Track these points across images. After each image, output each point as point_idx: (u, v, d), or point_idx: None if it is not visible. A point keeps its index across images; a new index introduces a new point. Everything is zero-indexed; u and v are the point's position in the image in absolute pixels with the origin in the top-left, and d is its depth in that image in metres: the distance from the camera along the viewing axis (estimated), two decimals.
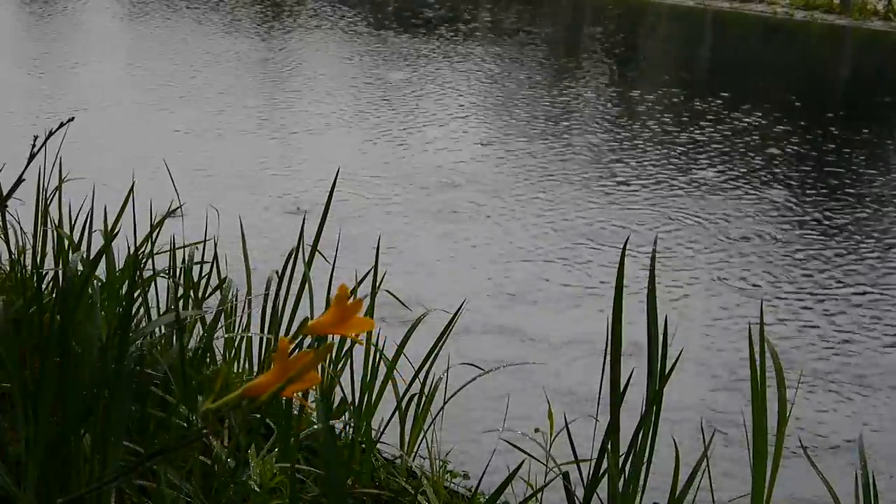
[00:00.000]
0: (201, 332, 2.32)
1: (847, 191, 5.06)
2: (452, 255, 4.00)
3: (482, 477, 2.21)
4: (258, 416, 1.93)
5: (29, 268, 2.58)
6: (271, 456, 1.91)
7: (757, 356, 1.80)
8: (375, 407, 2.23)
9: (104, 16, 9.67)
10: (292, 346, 2.24)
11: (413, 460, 2.25)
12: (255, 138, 5.54)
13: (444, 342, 2.26)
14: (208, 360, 2.24)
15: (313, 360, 0.94)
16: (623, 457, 1.82)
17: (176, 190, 2.60)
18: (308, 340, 2.20)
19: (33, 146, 0.89)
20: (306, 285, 2.24)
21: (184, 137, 5.50)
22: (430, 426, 2.29)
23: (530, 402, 2.83)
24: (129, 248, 2.04)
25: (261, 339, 2.28)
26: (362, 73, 7.32)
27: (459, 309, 2.32)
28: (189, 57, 7.66)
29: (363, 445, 2.16)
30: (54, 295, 2.37)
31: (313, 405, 2.09)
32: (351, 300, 0.97)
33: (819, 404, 2.98)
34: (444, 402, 2.30)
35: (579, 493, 1.90)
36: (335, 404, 2.27)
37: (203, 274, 2.43)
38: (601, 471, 1.83)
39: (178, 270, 2.37)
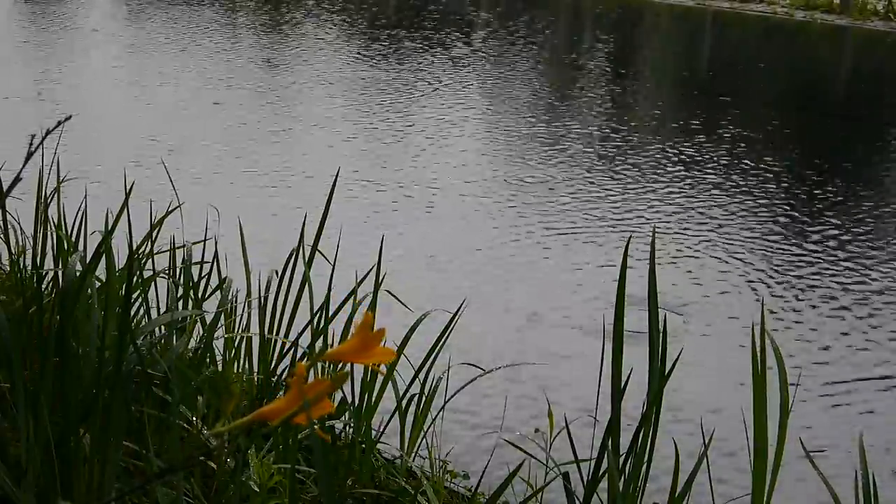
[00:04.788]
0: (201, 332, 2.31)
1: (847, 190, 5.06)
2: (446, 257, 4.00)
3: (482, 477, 2.21)
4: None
5: (28, 268, 2.58)
6: (270, 456, 1.91)
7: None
8: (375, 407, 2.23)
9: (103, 13, 9.67)
10: (286, 347, 2.24)
11: (413, 460, 2.25)
12: (253, 139, 5.54)
13: (444, 342, 2.25)
14: (208, 360, 2.24)
15: (329, 389, 0.93)
16: (623, 456, 1.82)
17: (175, 189, 2.60)
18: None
19: (31, 145, 0.88)
20: (306, 286, 2.24)
21: (180, 137, 5.50)
22: (430, 426, 2.29)
23: (530, 402, 2.83)
24: (129, 247, 2.04)
25: (260, 339, 2.28)
26: (359, 72, 7.32)
27: (460, 308, 2.32)
28: (190, 56, 7.67)
29: (363, 445, 2.16)
30: (54, 295, 2.37)
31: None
32: (373, 329, 0.96)
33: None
34: (445, 403, 2.30)
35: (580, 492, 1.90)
36: (335, 404, 2.27)
37: (203, 274, 2.43)
38: (601, 471, 1.83)
39: (177, 270, 2.37)
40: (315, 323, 2.20)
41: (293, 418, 0.92)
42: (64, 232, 2.56)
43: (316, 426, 1.06)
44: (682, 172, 5.20)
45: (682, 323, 3.43)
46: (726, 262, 4.01)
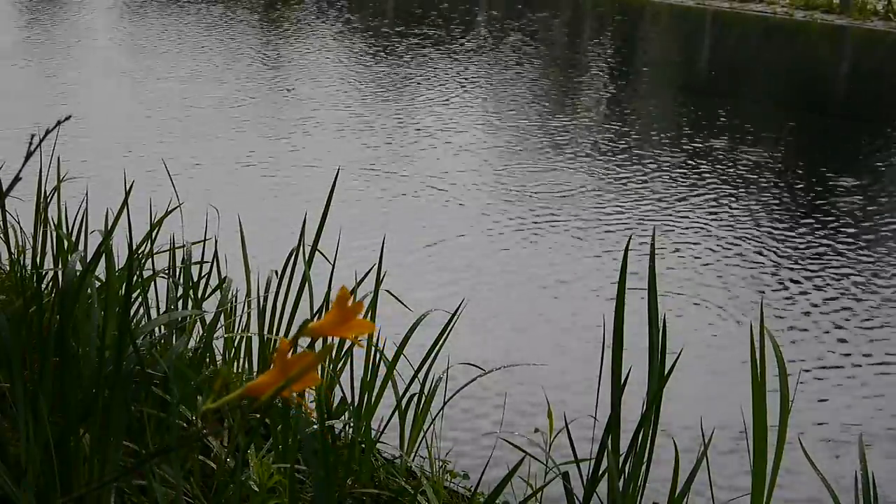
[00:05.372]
0: (201, 332, 2.31)
1: (847, 189, 5.06)
2: (442, 258, 4.00)
3: (482, 477, 2.21)
4: (257, 415, 1.92)
5: (28, 268, 2.58)
6: (269, 456, 1.91)
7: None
8: (375, 407, 2.23)
9: (102, 14, 9.67)
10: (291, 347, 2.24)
11: (413, 460, 2.25)
12: (254, 138, 5.54)
13: (443, 342, 2.25)
14: (208, 360, 2.24)
15: (314, 361, 0.93)
16: (623, 456, 1.82)
17: (175, 189, 2.60)
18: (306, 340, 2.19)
19: (30, 145, 0.88)
20: (306, 285, 2.24)
21: (180, 136, 5.50)
22: (430, 426, 2.29)
23: (530, 402, 2.83)
24: (129, 247, 2.04)
25: (260, 338, 2.28)
26: (362, 71, 7.32)
27: (459, 308, 2.32)
28: (187, 54, 7.67)
29: (363, 445, 2.15)
30: (54, 295, 2.37)
31: (312, 405, 2.09)
32: (351, 302, 0.97)
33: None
34: (444, 402, 2.30)
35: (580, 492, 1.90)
36: (335, 404, 2.27)
37: (203, 274, 2.43)
38: (601, 470, 1.83)
39: (177, 270, 2.37)
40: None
41: (281, 392, 0.92)
42: (64, 232, 2.56)
43: (297, 396, 1.06)
44: (683, 171, 5.20)
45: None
46: (726, 261, 4.01)
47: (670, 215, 4.52)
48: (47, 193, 2.72)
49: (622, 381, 1.81)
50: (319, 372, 1.04)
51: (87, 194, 2.59)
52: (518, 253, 4.03)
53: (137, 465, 1.61)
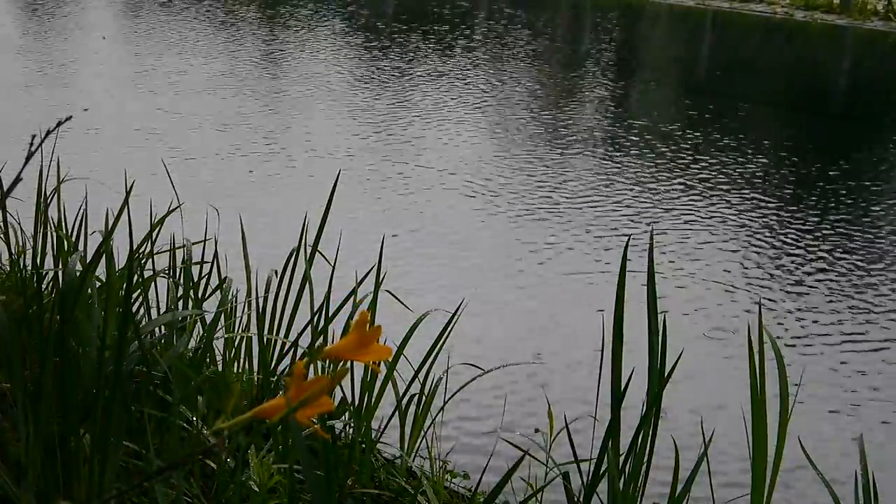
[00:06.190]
0: (201, 332, 2.31)
1: (846, 189, 5.06)
2: (446, 259, 4.00)
3: (482, 477, 2.21)
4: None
5: (29, 268, 2.59)
6: (270, 456, 1.91)
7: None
8: (375, 407, 2.23)
9: (102, 13, 9.67)
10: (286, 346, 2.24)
11: (413, 460, 2.25)
12: (253, 135, 5.54)
13: (443, 342, 2.26)
14: (208, 360, 2.24)
15: (328, 386, 0.93)
16: (623, 456, 1.82)
17: (175, 189, 2.60)
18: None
19: (31, 145, 0.89)
20: (306, 285, 2.24)
21: (181, 135, 5.50)
22: (430, 426, 2.29)
23: (530, 402, 2.84)
24: (129, 247, 2.03)
25: (260, 339, 2.28)
26: (364, 68, 7.32)
27: (459, 308, 2.31)
28: (186, 53, 7.67)
29: (363, 445, 2.16)
30: (54, 295, 2.37)
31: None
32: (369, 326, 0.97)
33: None
34: (445, 403, 2.30)
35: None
36: (335, 404, 2.27)
37: (203, 274, 2.43)
38: (601, 471, 1.83)
39: (177, 270, 2.37)
40: (315, 323, 2.20)
41: (291, 415, 0.92)
42: (64, 232, 2.56)
43: (316, 425, 1.06)
44: (682, 172, 5.20)
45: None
46: (726, 259, 4.01)
47: (670, 214, 4.52)
48: (47, 194, 2.72)
49: (622, 381, 1.81)
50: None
51: (87, 194, 2.59)
52: (518, 251, 4.03)
53: (143, 481, 1.61)
